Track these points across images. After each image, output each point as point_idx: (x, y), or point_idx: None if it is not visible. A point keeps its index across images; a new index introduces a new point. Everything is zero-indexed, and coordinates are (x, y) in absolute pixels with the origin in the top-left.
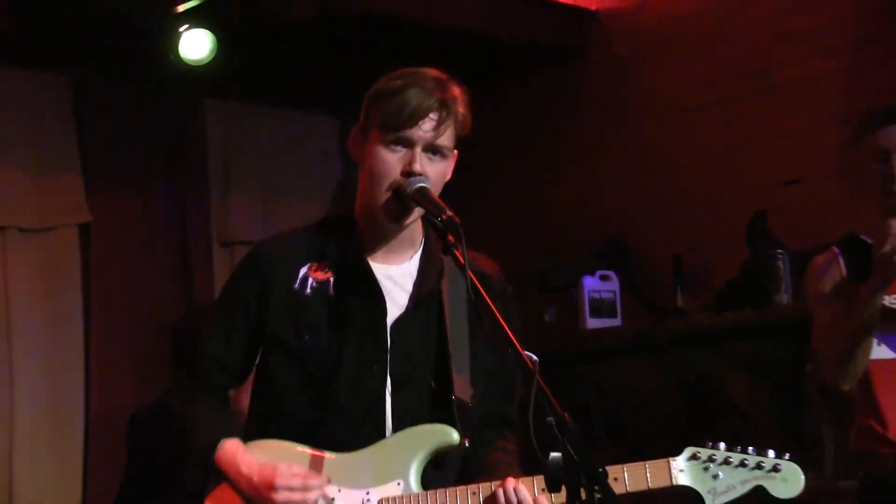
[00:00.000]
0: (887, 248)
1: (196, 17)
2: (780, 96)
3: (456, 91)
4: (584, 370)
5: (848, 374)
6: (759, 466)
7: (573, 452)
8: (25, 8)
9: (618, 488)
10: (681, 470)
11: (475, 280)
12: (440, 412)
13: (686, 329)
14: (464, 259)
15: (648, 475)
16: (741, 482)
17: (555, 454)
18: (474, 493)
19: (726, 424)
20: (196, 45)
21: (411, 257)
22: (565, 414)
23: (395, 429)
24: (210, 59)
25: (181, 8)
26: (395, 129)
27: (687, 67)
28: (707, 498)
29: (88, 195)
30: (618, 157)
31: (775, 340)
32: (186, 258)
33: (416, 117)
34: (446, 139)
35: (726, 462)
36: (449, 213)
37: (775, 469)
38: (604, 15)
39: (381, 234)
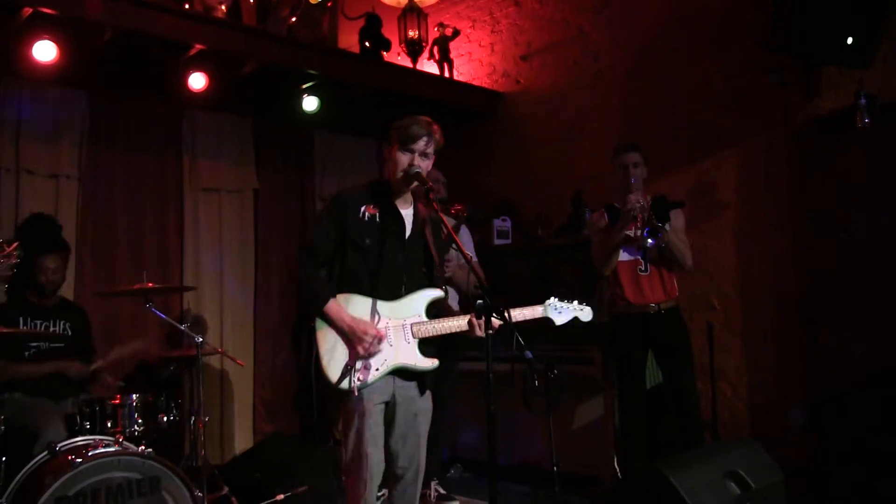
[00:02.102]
0: (627, 208)
1: (311, 90)
2: (585, 136)
3: (435, 126)
4: (494, 264)
5: (607, 267)
6: (575, 308)
7: (487, 299)
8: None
9: (520, 316)
10: (544, 309)
11: (443, 217)
12: (429, 281)
13: (542, 245)
14: (437, 205)
15: (531, 312)
16: (568, 314)
17: (480, 301)
18: (457, 319)
19: (560, 291)
20: (310, 103)
21: (410, 206)
22: (486, 284)
23: (408, 291)
24: (317, 110)
25: (304, 86)
26: (406, 144)
27: (543, 120)
28: (556, 320)
29: (258, 174)
30: (511, 163)
31: (582, 251)
32: (303, 209)
33: (416, 138)
34: (429, 149)
35: (562, 304)
36: (430, 184)
37: (581, 308)
38: (506, 95)
39: (399, 193)
